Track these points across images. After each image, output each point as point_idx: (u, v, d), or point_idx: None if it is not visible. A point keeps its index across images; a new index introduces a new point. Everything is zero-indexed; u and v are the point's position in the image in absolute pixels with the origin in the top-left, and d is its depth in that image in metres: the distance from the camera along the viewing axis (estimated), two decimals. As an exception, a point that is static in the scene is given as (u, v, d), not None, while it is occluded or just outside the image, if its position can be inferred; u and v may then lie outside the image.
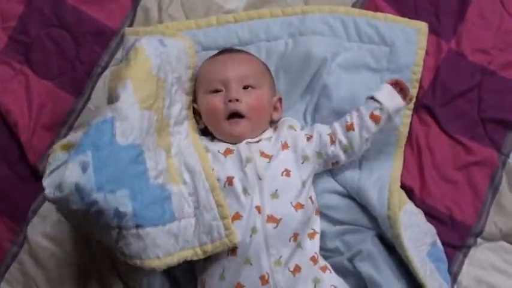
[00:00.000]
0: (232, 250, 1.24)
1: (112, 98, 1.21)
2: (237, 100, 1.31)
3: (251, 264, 1.23)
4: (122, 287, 1.43)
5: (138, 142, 1.18)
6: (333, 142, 1.34)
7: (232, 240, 1.22)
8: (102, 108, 1.20)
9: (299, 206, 1.28)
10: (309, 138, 1.35)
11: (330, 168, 1.39)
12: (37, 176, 1.50)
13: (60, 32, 1.56)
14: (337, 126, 1.35)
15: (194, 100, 1.40)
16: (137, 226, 1.15)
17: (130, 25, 1.55)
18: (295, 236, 1.26)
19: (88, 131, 1.15)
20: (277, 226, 1.24)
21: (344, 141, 1.33)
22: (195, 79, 1.40)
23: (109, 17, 1.56)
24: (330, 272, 1.31)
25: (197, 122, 1.40)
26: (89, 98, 1.53)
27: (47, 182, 1.15)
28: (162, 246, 1.19)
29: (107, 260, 1.44)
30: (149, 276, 1.37)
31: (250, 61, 1.40)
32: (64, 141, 1.22)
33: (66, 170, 1.11)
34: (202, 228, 1.24)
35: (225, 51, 1.42)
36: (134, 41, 1.28)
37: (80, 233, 1.47)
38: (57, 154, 1.20)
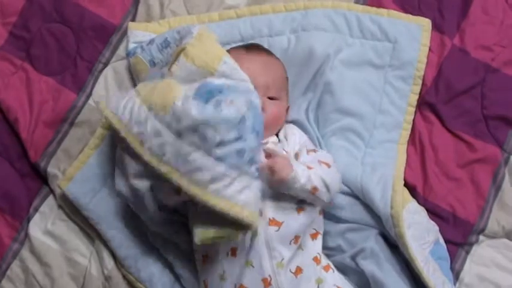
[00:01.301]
0: (232, 251, 1.24)
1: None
2: (263, 109, 1.26)
3: (253, 267, 1.23)
4: (123, 285, 1.43)
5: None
6: None
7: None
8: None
9: (301, 209, 1.27)
10: (297, 156, 1.32)
11: None
12: (38, 172, 1.50)
13: (61, 27, 1.55)
14: None
15: None
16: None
17: (132, 21, 1.54)
18: (296, 238, 1.25)
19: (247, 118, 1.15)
20: (279, 229, 1.23)
21: None
22: None
23: (110, 13, 1.55)
24: (333, 271, 1.31)
25: None
26: (90, 95, 1.52)
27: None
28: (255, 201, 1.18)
29: (108, 257, 1.43)
30: (152, 274, 1.37)
31: (279, 69, 1.38)
32: None
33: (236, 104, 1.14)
34: None
35: (255, 47, 1.40)
36: (185, 31, 1.28)
37: (81, 229, 1.47)
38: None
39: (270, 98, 1.32)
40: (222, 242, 1.22)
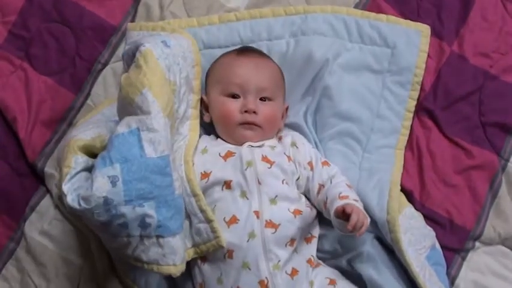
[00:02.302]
0: (229, 253, 1.24)
1: (129, 108, 1.16)
2: (255, 112, 1.31)
3: (249, 269, 1.23)
4: (118, 285, 1.42)
5: (166, 153, 1.15)
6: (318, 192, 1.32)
7: (219, 243, 1.23)
8: (124, 119, 1.16)
9: (298, 212, 1.27)
10: (310, 165, 1.34)
11: None
12: (35, 172, 1.50)
13: (61, 27, 1.55)
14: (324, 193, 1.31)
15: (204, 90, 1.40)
16: (158, 236, 1.16)
17: (132, 22, 1.54)
18: (292, 241, 1.26)
19: (113, 142, 1.13)
20: (275, 231, 1.24)
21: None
22: (208, 71, 1.40)
23: (110, 13, 1.55)
24: (324, 266, 1.32)
25: (201, 114, 1.39)
26: (88, 95, 1.52)
27: (68, 189, 1.14)
28: (179, 253, 1.19)
29: (103, 258, 1.43)
30: (147, 276, 1.37)
31: (272, 70, 1.39)
32: (79, 142, 1.20)
33: (95, 183, 1.10)
34: (195, 230, 1.25)
35: (247, 50, 1.41)
36: (137, 45, 1.20)
37: (77, 230, 1.46)
38: (77, 157, 1.19)
39: (263, 99, 1.33)
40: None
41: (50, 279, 1.45)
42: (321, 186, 1.31)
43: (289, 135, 1.38)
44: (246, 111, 1.32)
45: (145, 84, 1.14)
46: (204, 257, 1.28)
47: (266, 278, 1.22)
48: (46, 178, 1.48)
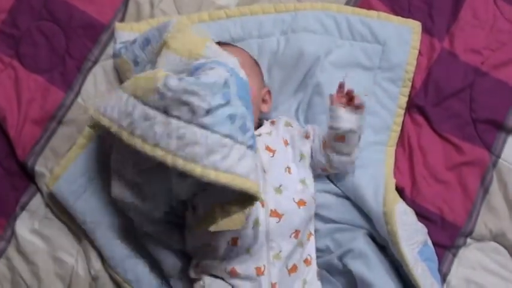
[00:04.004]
0: (233, 240, 1.24)
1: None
2: None
3: (250, 255, 1.24)
4: (109, 284, 1.42)
5: None
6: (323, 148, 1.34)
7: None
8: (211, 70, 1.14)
9: (302, 203, 1.28)
10: (306, 136, 1.35)
11: (320, 173, 1.38)
12: (26, 171, 1.49)
13: (51, 25, 1.55)
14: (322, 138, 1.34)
15: None
16: (249, 147, 1.11)
17: (122, 20, 1.54)
18: (297, 232, 1.27)
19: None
20: (279, 221, 1.25)
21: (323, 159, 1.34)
22: None
23: (100, 11, 1.54)
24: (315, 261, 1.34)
25: None
26: (78, 93, 1.51)
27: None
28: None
29: (95, 257, 1.43)
30: (138, 273, 1.37)
31: (241, 53, 1.39)
32: None
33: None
34: None
35: (218, 43, 1.41)
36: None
37: (69, 228, 1.46)
38: None
39: None
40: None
41: (41, 279, 1.44)
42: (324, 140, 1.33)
43: (282, 118, 1.39)
44: None
45: (204, 38, 1.24)
46: (208, 244, 1.27)
47: (264, 265, 1.23)
48: (36, 177, 1.47)
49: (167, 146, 1.07)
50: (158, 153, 1.07)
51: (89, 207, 1.41)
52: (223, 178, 1.05)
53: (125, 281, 1.39)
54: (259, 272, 1.23)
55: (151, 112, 1.10)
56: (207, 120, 1.06)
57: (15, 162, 1.50)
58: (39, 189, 1.48)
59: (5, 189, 1.49)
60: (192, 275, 1.31)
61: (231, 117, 1.08)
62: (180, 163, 1.05)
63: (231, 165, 1.06)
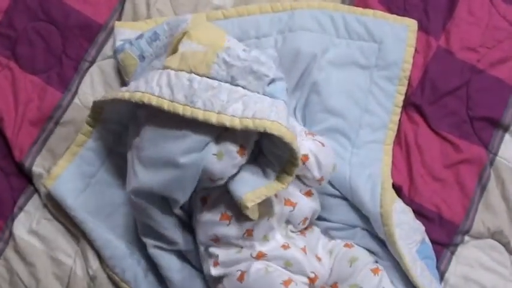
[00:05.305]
0: (248, 232, 1.24)
1: None
2: None
3: (268, 241, 1.26)
4: (108, 284, 1.42)
5: None
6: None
7: None
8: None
9: (309, 193, 1.31)
10: (308, 134, 1.35)
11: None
12: (23, 172, 1.49)
13: (47, 26, 1.55)
14: None
15: None
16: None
17: (118, 20, 1.54)
18: (304, 220, 1.30)
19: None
20: (293, 209, 1.27)
21: None
22: None
23: (96, 11, 1.54)
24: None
25: None
26: (76, 93, 1.51)
27: None
28: None
29: (93, 257, 1.42)
30: (137, 274, 1.37)
31: None
32: None
33: None
34: None
35: None
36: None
37: (66, 229, 1.46)
38: None
39: None
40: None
41: (40, 279, 1.44)
42: None
43: None
44: None
45: (224, 31, 1.35)
46: (217, 239, 1.26)
47: (286, 243, 1.26)
48: (34, 177, 1.47)
49: (234, 112, 1.14)
50: (225, 119, 1.13)
51: (87, 207, 1.40)
52: (286, 133, 1.13)
53: (123, 281, 1.38)
54: (285, 247, 1.25)
55: (214, 83, 1.17)
56: (269, 88, 1.19)
57: (12, 163, 1.50)
58: (36, 190, 1.48)
59: (3, 190, 1.49)
60: (214, 272, 1.27)
61: (285, 90, 1.23)
62: (250, 123, 1.13)
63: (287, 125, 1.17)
